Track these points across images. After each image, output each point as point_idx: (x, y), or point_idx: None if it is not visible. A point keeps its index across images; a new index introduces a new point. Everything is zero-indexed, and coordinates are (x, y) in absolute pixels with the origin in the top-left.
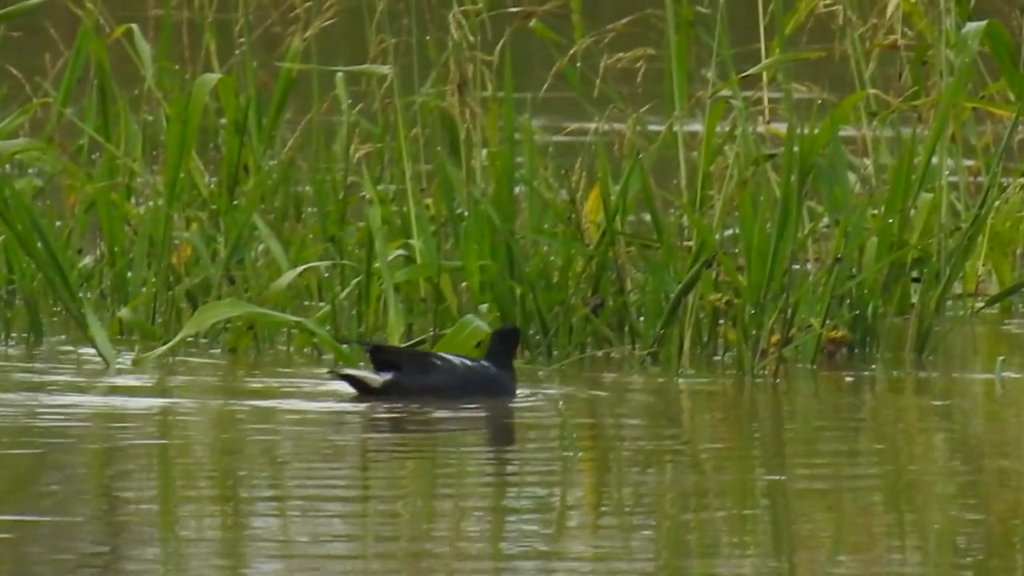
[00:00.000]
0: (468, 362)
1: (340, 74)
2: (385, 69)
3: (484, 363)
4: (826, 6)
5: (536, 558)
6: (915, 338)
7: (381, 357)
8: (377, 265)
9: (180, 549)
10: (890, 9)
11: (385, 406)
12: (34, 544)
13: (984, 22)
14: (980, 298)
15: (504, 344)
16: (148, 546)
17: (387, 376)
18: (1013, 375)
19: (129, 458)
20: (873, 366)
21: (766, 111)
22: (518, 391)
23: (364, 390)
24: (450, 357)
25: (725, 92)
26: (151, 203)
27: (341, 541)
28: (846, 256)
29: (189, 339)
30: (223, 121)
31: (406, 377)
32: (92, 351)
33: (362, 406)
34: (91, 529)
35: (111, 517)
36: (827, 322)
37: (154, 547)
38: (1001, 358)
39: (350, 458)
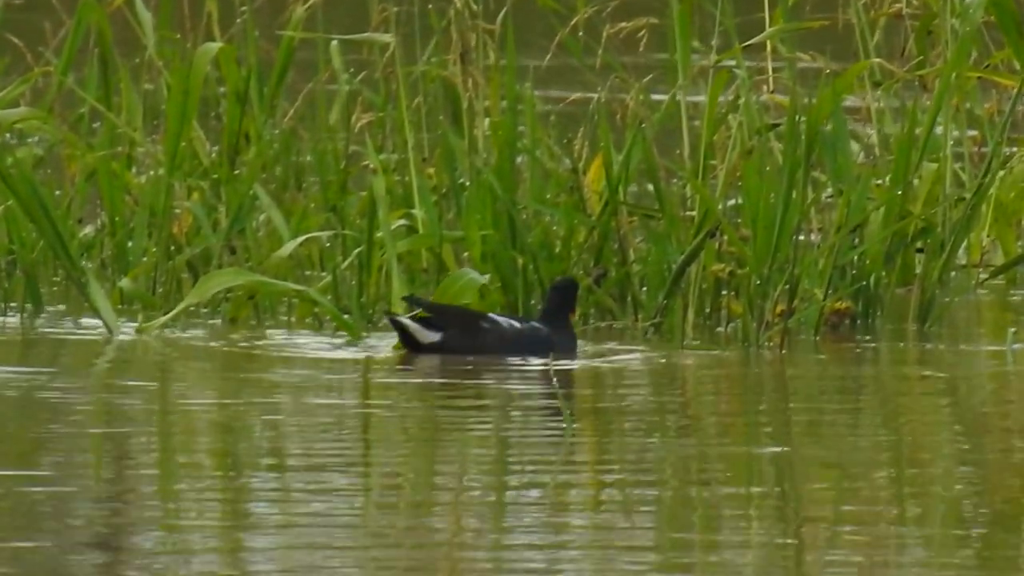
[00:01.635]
0: (517, 324)
1: (334, 43)
2: (387, 38)
3: (535, 324)
4: None
5: (536, 530)
6: (918, 309)
7: (431, 315)
8: (379, 235)
9: (181, 517)
10: None
11: (383, 375)
12: (39, 512)
13: None
14: (984, 269)
15: (561, 299)
16: (150, 514)
17: (435, 336)
18: (1017, 346)
19: (132, 426)
20: (876, 337)
21: (770, 80)
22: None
23: (411, 345)
24: (499, 319)
25: (729, 61)
26: (152, 172)
27: (339, 514)
28: (849, 226)
29: (190, 309)
30: (224, 90)
31: (453, 339)
32: (93, 321)
33: (360, 374)
34: (94, 497)
35: (114, 485)
36: (831, 293)
37: (156, 513)
38: (1013, 330)
39: (350, 426)
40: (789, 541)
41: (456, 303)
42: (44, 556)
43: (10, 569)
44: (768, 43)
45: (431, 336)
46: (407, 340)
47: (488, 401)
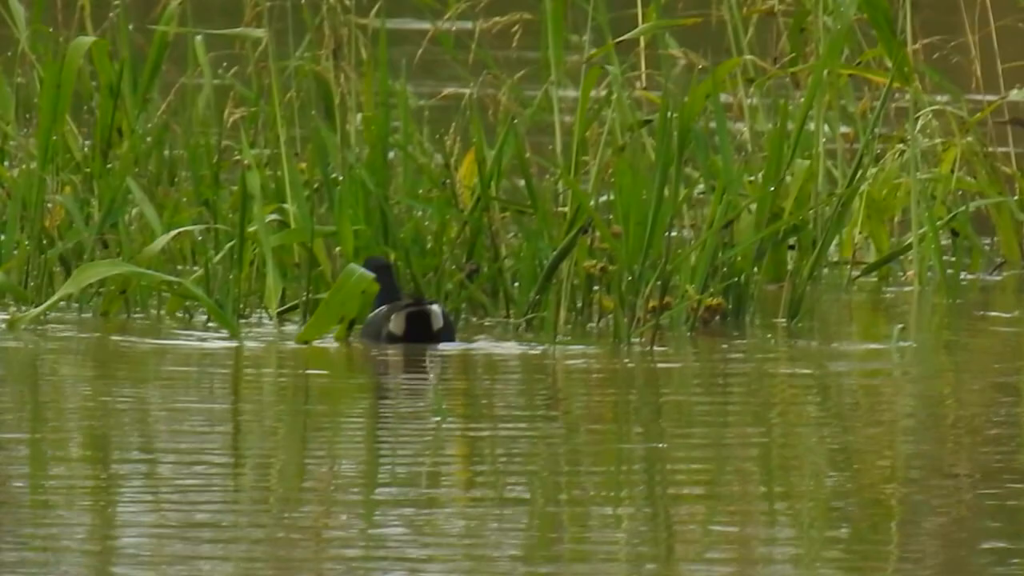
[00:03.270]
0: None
1: (199, 38)
2: (260, 33)
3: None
4: None
5: (403, 526)
6: (788, 305)
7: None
8: (252, 229)
9: (50, 516)
10: None
11: (257, 368)
12: None
13: None
14: (856, 266)
15: (393, 278)
16: (16, 515)
17: (441, 323)
18: (879, 345)
19: (3, 404)
20: (747, 334)
21: (642, 76)
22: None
23: (423, 335)
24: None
25: (600, 58)
26: (24, 166)
27: (212, 506)
28: (721, 223)
29: (61, 303)
30: (97, 84)
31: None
32: None
33: (232, 368)
34: None
35: None
36: (703, 289)
37: (24, 514)
38: (900, 326)
39: (222, 421)
40: (658, 537)
41: (350, 299)
42: None
43: None
44: (641, 39)
45: (439, 324)
46: (421, 330)
47: (361, 394)
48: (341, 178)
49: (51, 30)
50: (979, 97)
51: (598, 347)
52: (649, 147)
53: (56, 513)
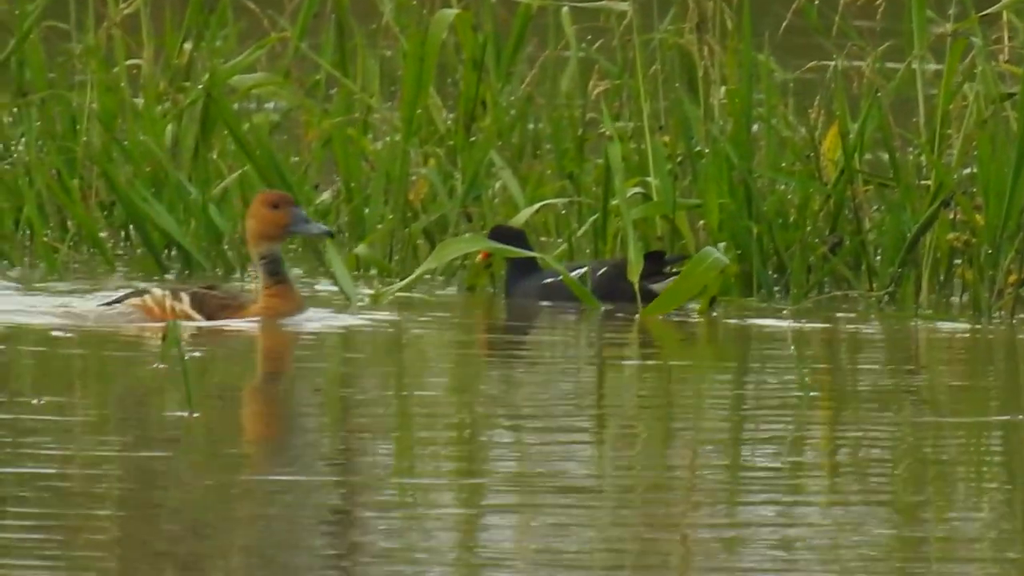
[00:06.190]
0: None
1: (565, 10)
2: (624, 6)
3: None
4: None
5: (771, 492)
6: None
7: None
8: (615, 202)
9: (409, 486)
10: None
11: (623, 343)
12: (280, 502)
13: None
14: None
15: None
16: (385, 492)
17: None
18: None
19: (369, 391)
20: None
21: (1006, 50)
22: None
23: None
24: None
25: (964, 30)
26: (388, 139)
27: (576, 477)
28: None
29: (426, 276)
30: (461, 57)
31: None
32: (329, 286)
33: (596, 341)
34: (329, 489)
35: (347, 475)
36: None
37: (391, 491)
38: None
39: (587, 390)
40: (1019, 508)
41: (701, 283)
42: (281, 532)
43: (249, 537)
44: (1004, 12)
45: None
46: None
47: (725, 371)
48: (705, 151)
49: (415, 3)
50: None
51: (959, 320)
52: (1012, 120)
53: (414, 482)
